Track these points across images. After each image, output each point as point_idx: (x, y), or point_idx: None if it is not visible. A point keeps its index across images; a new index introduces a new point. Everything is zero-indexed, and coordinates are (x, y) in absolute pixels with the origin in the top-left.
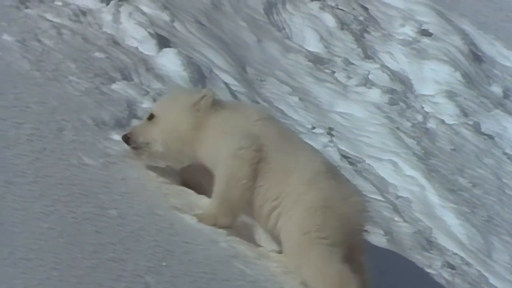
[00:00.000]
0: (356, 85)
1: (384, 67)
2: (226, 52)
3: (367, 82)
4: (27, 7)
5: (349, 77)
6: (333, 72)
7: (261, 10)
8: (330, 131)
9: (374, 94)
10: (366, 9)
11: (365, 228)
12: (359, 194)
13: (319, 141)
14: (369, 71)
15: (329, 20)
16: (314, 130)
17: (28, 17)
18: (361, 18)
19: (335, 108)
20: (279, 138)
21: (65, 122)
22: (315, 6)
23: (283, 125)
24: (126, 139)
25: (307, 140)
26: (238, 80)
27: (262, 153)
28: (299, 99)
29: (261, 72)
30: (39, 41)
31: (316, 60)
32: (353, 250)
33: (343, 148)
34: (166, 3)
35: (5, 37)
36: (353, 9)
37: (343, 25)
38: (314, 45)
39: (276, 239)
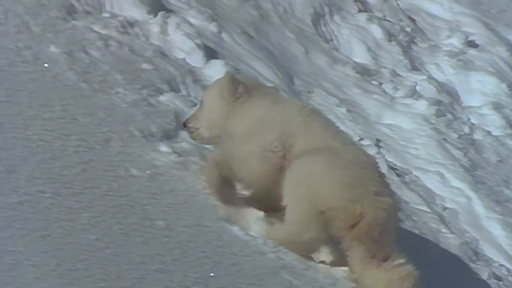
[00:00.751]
0: (403, 97)
1: (431, 78)
2: (273, 64)
3: (414, 93)
4: (74, 19)
5: (396, 89)
6: (381, 83)
7: (309, 22)
8: (377, 143)
9: (421, 106)
10: (413, 20)
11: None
12: (393, 196)
13: None
14: (416, 83)
15: (377, 31)
16: (361, 142)
17: (75, 28)
18: (408, 29)
19: (383, 120)
20: (323, 131)
21: (112, 134)
22: (362, 17)
23: (326, 119)
24: (183, 124)
25: None
26: (285, 91)
27: (292, 153)
28: (347, 110)
29: (309, 83)
30: (86, 52)
31: (364, 72)
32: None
33: (391, 160)
34: (214, 15)
35: (52, 48)
36: (400, 20)
37: (390, 36)
38: (361, 57)
39: None
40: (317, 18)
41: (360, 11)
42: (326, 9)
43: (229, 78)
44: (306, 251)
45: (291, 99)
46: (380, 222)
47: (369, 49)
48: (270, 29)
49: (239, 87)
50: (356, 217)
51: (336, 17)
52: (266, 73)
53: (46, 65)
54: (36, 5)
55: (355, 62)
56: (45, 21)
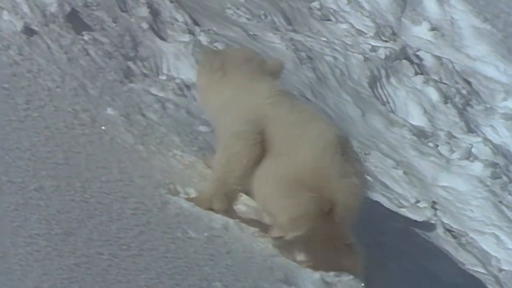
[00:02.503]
0: (459, 159)
1: (486, 140)
2: None
3: (470, 155)
4: (131, 81)
5: (452, 151)
6: (437, 145)
7: (366, 84)
8: (433, 205)
9: (477, 168)
10: (469, 82)
11: (356, 210)
12: (360, 176)
13: (423, 215)
14: (471, 145)
15: (433, 93)
16: (418, 204)
17: (132, 91)
18: (464, 91)
19: (439, 182)
20: (291, 114)
21: (170, 196)
22: (419, 80)
23: (294, 99)
24: None
25: (409, 215)
26: None
27: (266, 134)
28: (403, 172)
29: (366, 145)
30: (143, 115)
31: (420, 134)
32: (338, 231)
33: (447, 222)
34: None
35: (110, 111)
36: (456, 82)
37: (446, 98)
38: (417, 119)
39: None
40: (374, 81)
41: (416, 73)
42: (383, 72)
43: (204, 52)
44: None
45: (263, 79)
46: (352, 206)
47: (425, 111)
48: (327, 91)
49: (215, 62)
50: (325, 201)
51: (393, 80)
52: None
53: (103, 127)
54: (93, 68)
55: (411, 124)
56: (103, 84)
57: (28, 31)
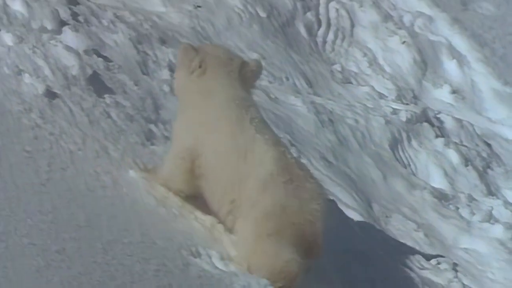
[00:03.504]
0: (479, 221)
1: (507, 203)
2: (352, 189)
3: (490, 218)
4: (153, 144)
5: (473, 213)
6: (457, 208)
7: (387, 146)
8: (454, 267)
9: (498, 230)
10: (489, 145)
11: (321, 231)
12: (316, 198)
13: (444, 277)
14: (492, 207)
15: (453, 156)
16: (439, 266)
17: (154, 153)
18: (484, 154)
19: (460, 244)
20: (228, 137)
21: (192, 258)
22: (439, 142)
23: (240, 114)
24: None
25: (431, 276)
26: (364, 216)
27: (200, 160)
28: (424, 235)
29: (387, 208)
30: None
31: (441, 196)
32: (311, 251)
33: (468, 284)
34: (293, 140)
35: (131, 173)
36: (477, 145)
37: (467, 161)
38: (438, 181)
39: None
40: (395, 143)
41: (437, 136)
42: (404, 134)
43: (184, 47)
44: None
45: (233, 98)
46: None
47: (446, 173)
48: (348, 154)
49: (194, 59)
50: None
51: (414, 142)
52: (344, 198)
53: (125, 189)
54: (115, 130)
55: (432, 186)
56: (124, 146)
57: (50, 94)
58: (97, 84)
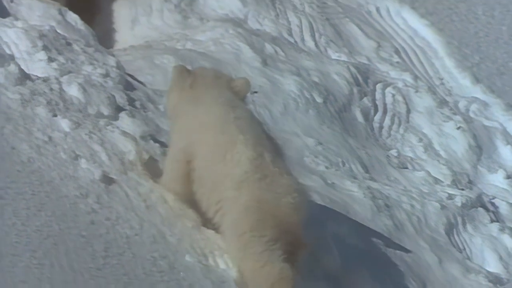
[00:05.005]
0: None
1: None
2: (408, 273)
3: None
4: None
5: None
6: None
7: (442, 231)
8: None
9: None
10: None
11: (301, 225)
12: (291, 192)
13: None
14: None
15: (508, 241)
16: None
17: (209, 238)
18: None
19: None
20: (214, 137)
21: None
22: (494, 227)
23: (226, 115)
24: None
25: None
26: None
27: (193, 163)
28: None
29: None
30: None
31: (496, 281)
32: (295, 246)
33: None
34: (350, 225)
35: (188, 258)
36: None
37: None
38: (493, 266)
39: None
40: (450, 228)
41: (492, 221)
42: (459, 219)
43: (178, 69)
44: None
45: (219, 103)
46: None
47: (501, 258)
48: (404, 238)
49: (187, 80)
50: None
51: (469, 227)
52: (401, 282)
53: (182, 274)
54: (171, 215)
55: (487, 271)
56: (181, 231)
57: (107, 179)
58: (154, 169)
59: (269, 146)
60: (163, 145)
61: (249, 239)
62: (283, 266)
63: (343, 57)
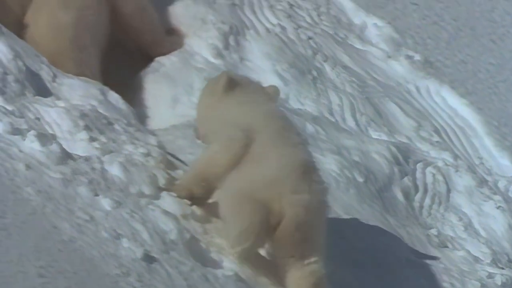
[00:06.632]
0: None
1: None
2: None
3: None
4: None
5: None
6: None
7: None
8: None
9: None
10: None
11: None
12: (315, 195)
13: None
14: None
15: None
16: None
17: None
18: None
19: None
20: (277, 135)
21: None
22: None
23: (284, 119)
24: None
25: None
26: None
27: (251, 148)
28: None
29: None
30: None
31: None
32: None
33: None
34: None
35: None
36: None
37: None
38: None
39: None
40: None
41: None
42: None
43: (226, 77)
44: None
45: (262, 99)
46: (300, 220)
47: None
48: None
49: (220, 80)
50: (276, 215)
51: None
52: None
53: None
54: None
55: None
56: None
57: (148, 258)
58: (195, 248)
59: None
60: (205, 221)
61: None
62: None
63: (384, 136)
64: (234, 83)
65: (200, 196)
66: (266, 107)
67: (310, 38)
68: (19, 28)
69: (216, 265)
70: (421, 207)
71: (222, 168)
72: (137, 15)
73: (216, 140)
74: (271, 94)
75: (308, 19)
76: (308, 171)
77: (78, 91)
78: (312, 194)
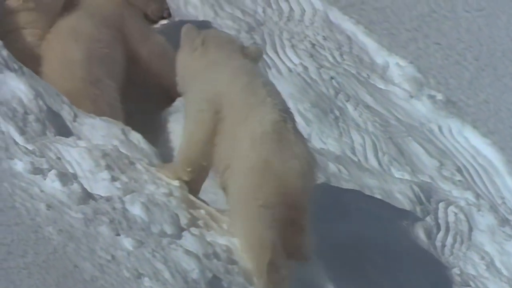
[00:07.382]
0: None
1: None
2: None
3: None
4: None
5: None
6: None
7: None
8: None
9: None
10: None
11: (305, 191)
12: (300, 158)
13: None
14: None
15: None
16: None
17: None
18: None
19: None
20: (243, 94)
21: None
22: None
23: (254, 77)
24: None
25: None
26: None
27: (221, 114)
28: None
29: None
30: None
31: None
32: (294, 213)
33: None
34: None
35: None
36: None
37: None
38: None
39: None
40: None
41: None
42: None
43: (186, 28)
44: None
45: (238, 59)
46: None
47: None
48: None
49: (197, 38)
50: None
51: None
52: None
53: None
54: None
55: None
56: None
57: None
58: (217, 287)
59: (292, 115)
60: (227, 261)
61: (247, 200)
62: (267, 235)
63: (406, 176)
64: (208, 43)
65: (186, 178)
66: (233, 65)
67: (332, 77)
68: (37, 65)
69: None
70: (443, 246)
71: (202, 143)
72: (154, 59)
73: (187, 112)
74: (252, 53)
75: (330, 59)
76: (285, 132)
77: (100, 131)
78: (299, 158)
